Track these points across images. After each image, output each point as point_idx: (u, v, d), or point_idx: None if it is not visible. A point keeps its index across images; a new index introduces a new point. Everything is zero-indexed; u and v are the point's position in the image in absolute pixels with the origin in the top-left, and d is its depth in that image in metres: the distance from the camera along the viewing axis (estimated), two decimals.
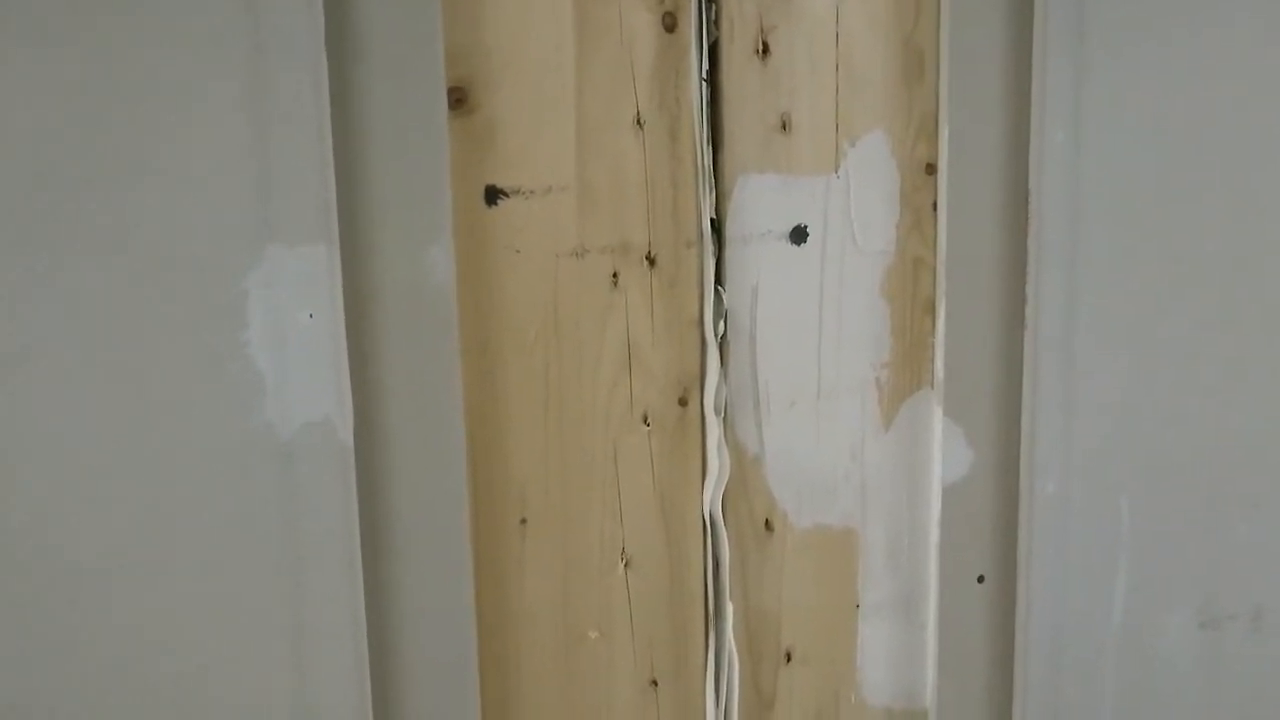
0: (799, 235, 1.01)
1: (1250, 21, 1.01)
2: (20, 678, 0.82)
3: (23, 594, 0.81)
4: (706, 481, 1.01)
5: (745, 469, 1.03)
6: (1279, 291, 1.05)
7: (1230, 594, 1.11)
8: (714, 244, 0.99)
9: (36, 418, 0.80)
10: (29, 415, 0.80)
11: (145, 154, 0.81)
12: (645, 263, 0.97)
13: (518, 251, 0.94)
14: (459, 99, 0.90)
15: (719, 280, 1.00)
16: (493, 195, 0.92)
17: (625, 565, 1.00)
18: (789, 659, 1.07)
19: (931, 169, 1.03)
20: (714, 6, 0.96)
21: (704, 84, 0.96)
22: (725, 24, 0.97)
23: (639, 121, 0.95)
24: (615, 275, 0.96)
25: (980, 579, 1.08)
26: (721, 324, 1.00)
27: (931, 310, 1.05)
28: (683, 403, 1.00)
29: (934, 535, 1.07)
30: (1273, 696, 1.13)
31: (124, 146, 0.80)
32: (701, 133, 0.97)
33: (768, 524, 1.05)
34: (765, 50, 0.98)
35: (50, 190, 0.79)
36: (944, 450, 1.05)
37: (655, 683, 1.03)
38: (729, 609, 1.03)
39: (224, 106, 0.82)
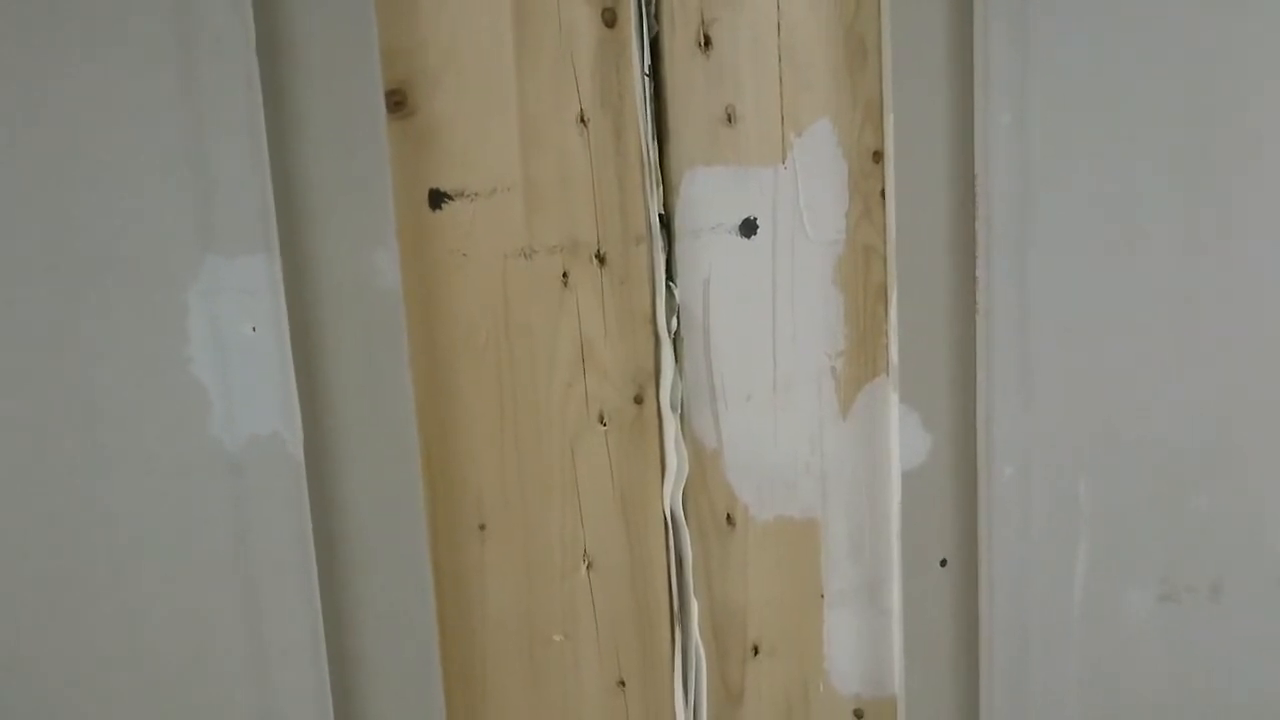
0: (749, 227, 1.01)
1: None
2: None
3: None
4: (666, 478, 1.01)
5: (704, 464, 1.03)
6: (1229, 267, 1.05)
7: (1189, 568, 1.13)
8: (664, 239, 0.98)
9: None
10: None
11: (76, 165, 0.79)
12: (595, 261, 0.96)
13: (464, 255, 0.92)
14: (398, 101, 0.89)
15: (670, 275, 0.99)
16: (437, 199, 0.91)
17: (588, 566, 1.00)
18: (756, 652, 1.07)
19: (879, 156, 1.03)
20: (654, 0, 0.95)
21: (647, 78, 0.96)
22: (666, 17, 0.96)
23: (582, 118, 0.94)
24: (565, 275, 0.95)
25: (943, 563, 1.09)
26: (674, 319, 0.99)
27: (884, 297, 1.05)
28: (639, 400, 0.99)
29: (895, 521, 1.07)
30: (1232, 666, 1.15)
31: (54, 158, 0.78)
32: (646, 128, 0.96)
33: (729, 518, 1.04)
34: (707, 42, 0.97)
35: None
36: (902, 436, 1.05)
37: (623, 683, 1.02)
38: (694, 605, 1.03)
39: (155, 115, 0.80)
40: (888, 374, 1.06)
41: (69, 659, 0.82)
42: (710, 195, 0.99)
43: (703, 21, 0.97)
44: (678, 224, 0.99)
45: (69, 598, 0.82)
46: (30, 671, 0.81)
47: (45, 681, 0.82)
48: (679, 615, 1.03)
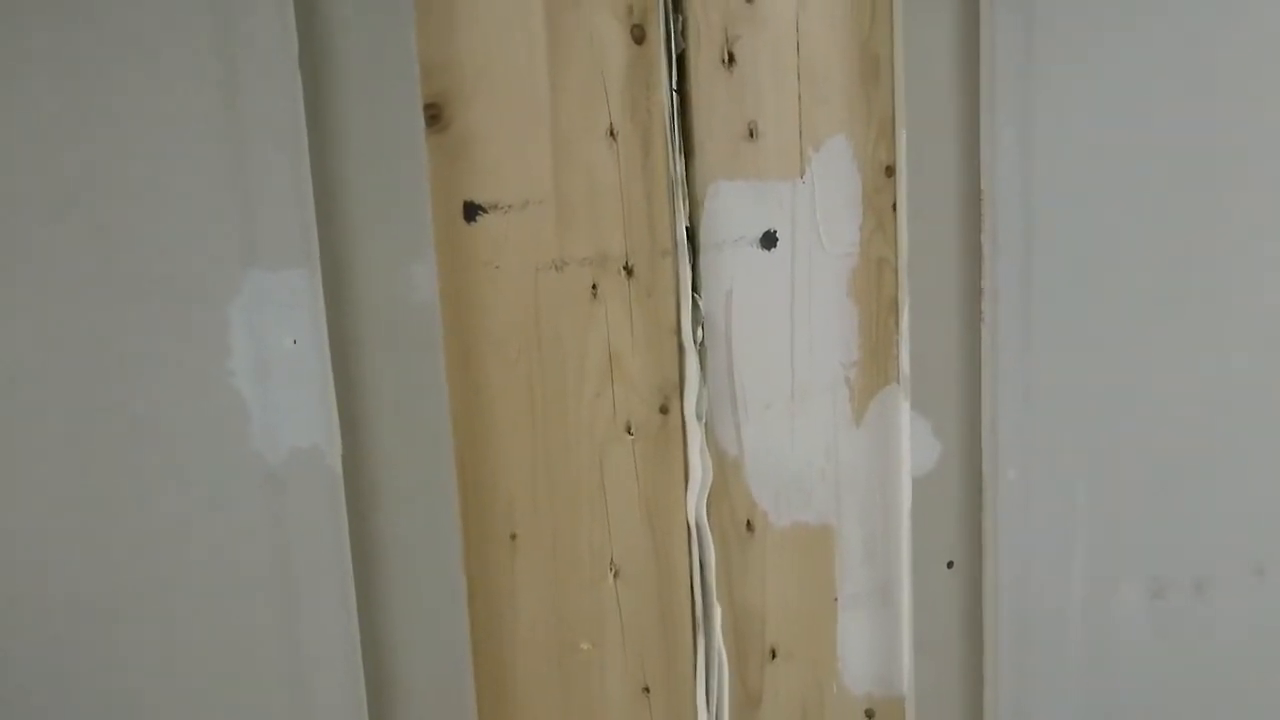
0: (769, 240, 1.03)
1: (1195, 16, 1.06)
2: (17, 710, 0.79)
3: (16, 627, 0.78)
4: (690, 487, 1.03)
5: (726, 472, 1.05)
6: (1222, 279, 1.10)
7: (1175, 566, 1.17)
8: (689, 251, 1.00)
9: (21, 452, 0.77)
10: (12, 448, 0.77)
11: (120, 180, 0.78)
12: (623, 273, 0.98)
13: (497, 267, 0.93)
14: (434, 115, 0.89)
15: (695, 287, 1.01)
16: (471, 211, 0.92)
17: (614, 575, 1.01)
18: (774, 656, 1.09)
19: (890, 171, 1.06)
20: (680, 17, 0.97)
21: (674, 94, 0.97)
22: (692, 34, 0.98)
23: (612, 133, 0.95)
24: (594, 286, 0.97)
25: (950, 564, 1.12)
26: (699, 330, 1.01)
27: (895, 308, 1.08)
28: (664, 410, 1.01)
29: (905, 525, 1.10)
30: (1215, 655, 1.20)
31: (98, 174, 0.77)
32: (674, 142, 0.98)
33: (749, 525, 1.06)
34: (731, 60, 0.99)
35: (28, 221, 0.76)
36: (913, 443, 1.08)
37: (647, 689, 1.04)
38: (717, 612, 1.04)
39: (199, 131, 0.80)
40: (899, 382, 1.09)
41: (110, 668, 0.82)
42: (733, 208, 1.01)
43: (726, 39, 0.99)
44: (702, 236, 1.01)
45: (110, 609, 0.81)
46: (71, 683, 0.80)
47: (85, 693, 0.81)
48: (702, 621, 1.05)
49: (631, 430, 1.00)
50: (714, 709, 1.06)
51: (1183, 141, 1.07)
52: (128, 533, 0.81)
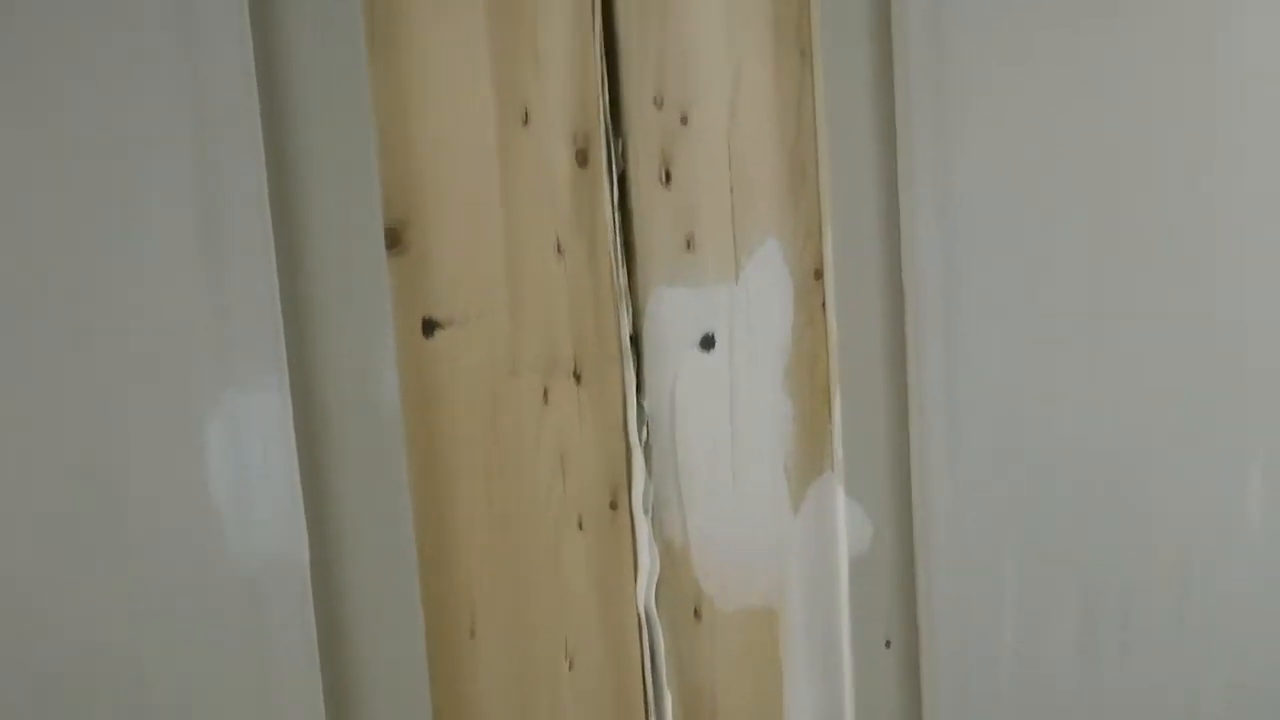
0: (708, 342, 1.10)
1: (1095, 101, 1.17)
2: None
3: None
4: (639, 578, 1.08)
5: (674, 562, 1.10)
6: (1142, 348, 1.19)
7: (1100, 624, 1.25)
8: (633, 356, 1.06)
9: None
10: None
11: (98, 298, 0.82)
12: (572, 378, 1.03)
13: (455, 377, 0.98)
14: (393, 240, 0.95)
15: (640, 389, 1.07)
16: (429, 327, 0.97)
17: (570, 667, 1.05)
18: None
19: (819, 273, 1.14)
20: (621, 141, 1.04)
21: (616, 211, 1.04)
22: (632, 156, 1.05)
23: (559, 249, 1.02)
24: (546, 392, 1.02)
25: (888, 644, 1.18)
26: (644, 430, 1.07)
27: (829, 400, 1.15)
28: (613, 505, 1.06)
29: (844, 606, 1.16)
30: (1142, 709, 1.28)
31: (72, 294, 0.81)
32: (616, 255, 1.04)
33: (696, 612, 1.12)
34: (668, 178, 1.07)
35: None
36: (848, 526, 1.15)
37: None
38: (668, 698, 1.09)
39: (173, 255, 0.84)
40: (833, 470, 1.16)
41: None
42: (674, 314, 1.08)
43: (664, 159, 1.06)
44: (645, 341, 1.07)
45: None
46: None
47: None
48: (654, 708, 1.09)
49: (583, 526, 1.05)
50: None
51: (1101, 235, 1.17)
52: (101, 643, 0.84)
